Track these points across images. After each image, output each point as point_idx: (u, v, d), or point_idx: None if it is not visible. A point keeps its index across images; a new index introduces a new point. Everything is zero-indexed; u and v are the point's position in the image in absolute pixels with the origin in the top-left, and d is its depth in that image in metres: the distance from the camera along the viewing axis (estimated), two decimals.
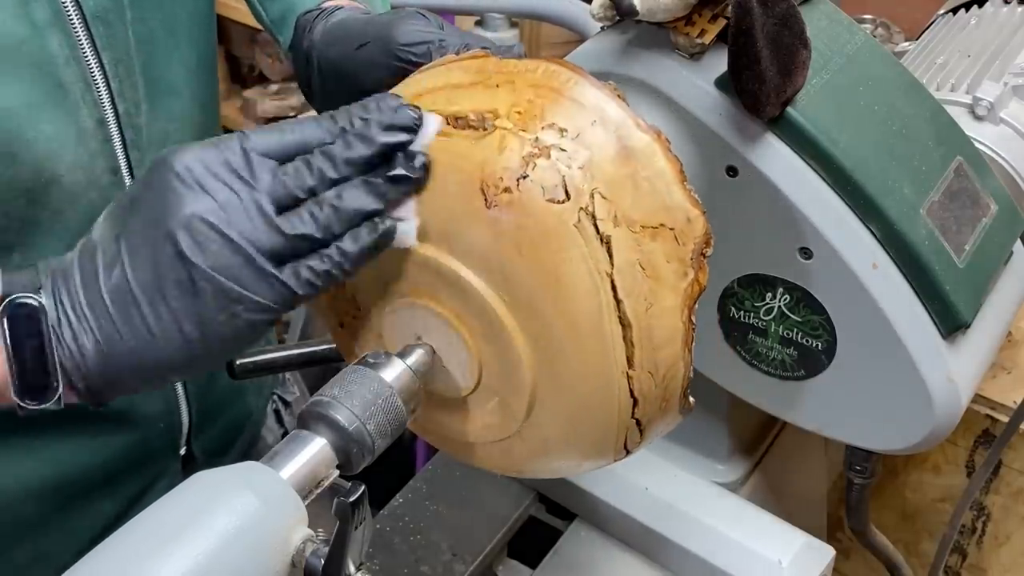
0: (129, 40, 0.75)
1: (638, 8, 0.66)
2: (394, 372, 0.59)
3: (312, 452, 0.55)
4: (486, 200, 0.56)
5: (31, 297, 0.57)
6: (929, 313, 0.70)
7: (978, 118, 0.91)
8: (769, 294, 0.75)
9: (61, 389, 0.57)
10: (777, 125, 0.69)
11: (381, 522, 0.93)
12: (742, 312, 0.77)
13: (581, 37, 1.38)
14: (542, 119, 0.57)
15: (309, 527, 0.53)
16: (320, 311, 0.70)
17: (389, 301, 0.63)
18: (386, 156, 0.58)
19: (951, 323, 0.71)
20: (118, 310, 0.56)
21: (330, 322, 0.70)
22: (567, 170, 0.56)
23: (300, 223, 0.56)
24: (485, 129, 0.57)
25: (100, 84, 0.74)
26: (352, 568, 0.53)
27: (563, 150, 0.57)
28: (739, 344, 0.78)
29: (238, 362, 0.81)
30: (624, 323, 0.57)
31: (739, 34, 0.64)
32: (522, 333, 0.59)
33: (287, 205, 0.56)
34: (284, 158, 0.57)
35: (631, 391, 0.59)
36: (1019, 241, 0.80)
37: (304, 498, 0.53)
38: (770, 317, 0.76)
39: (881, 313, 0.70)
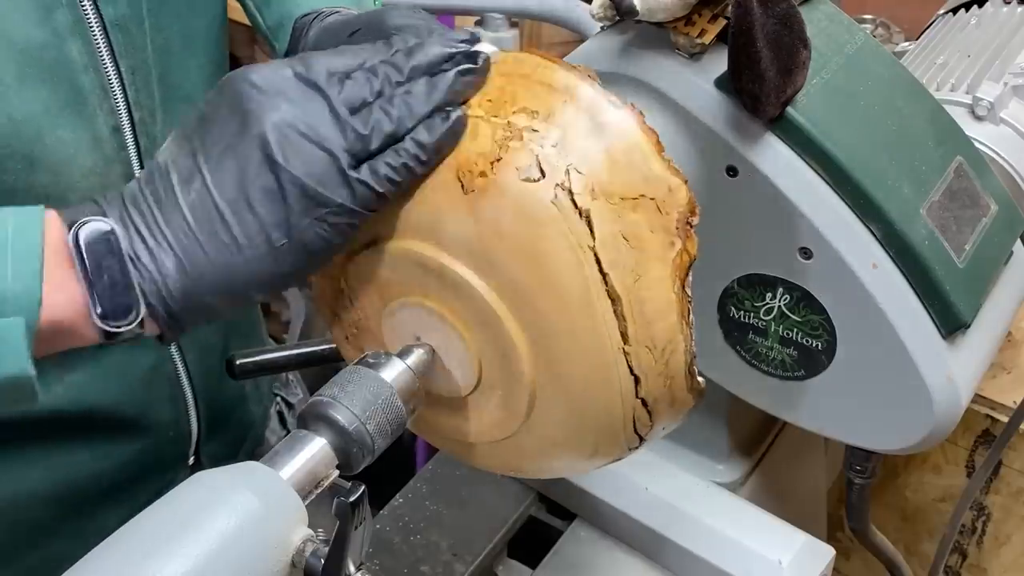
0: (147, 48, 0.76)
1: (638, 8, 0.66)
2: (394, 372, 0.59)
3: (312, 452, 0.55)
4: (463, 187, 0.57)
5: (102, 220, 0.56)
6: (929, 313, 0.70)
7: (978, 118, 0.91)
8: (769, 294, 0.75)
9: (143, 310, 0.56)
10: (777, 125, 0.69)
11: (381, 522, 0.93)
12: (742, 312, 0.77)
13: (581, 37, 1.38)
14: (513, 104, 0.58)
15: (309, 527, 0.53)
16: (327, 322, 0.70)
17: (385, 304, 0.63)
18: (445, 65, 0.59)
19: (951, 323, 0.71)
20: (200, 224, 0.56)
21: (337, 337, 0.70)
22: (540, 149, 0.56)
23: (373, 120, 0.56)
24: None
25: (117, 92, 0.74)
26: (352, 568, 0.53)
27: (535, 130, 0.57)
28: (739, 344, 0.78)
29: (238, 361, 0.81)
30: (612, 297, 0.57)
31: (739, 34, 0.64)
32: (514, 320, 0.59)
33: (359, 107, 0.57)
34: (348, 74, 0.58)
35: (630, 368, 0.58)
36: (1019, 241, 0.80)
37: (304, 498, 0.53)
38: (770, 317, 0.76)
39: (881, 313, 0.70)
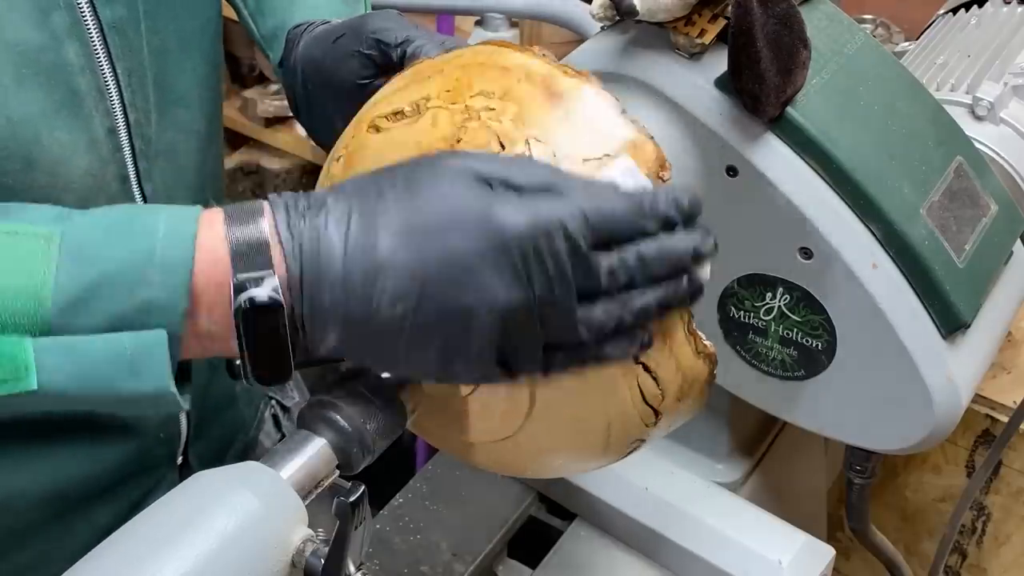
0: (143, 50, 0.76)
1: (638, 8, 0.66)
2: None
3: (312, 452, 0.55)
4: None
5: (269, 284, 0.52)
6: (929, 313, 0.70)
7: (978, 118, 0.91)
8: (769, 294, 0.75)
9: (295, 378, 0.56)
10: (777, 125, 0.69)
11: (381, 522, 0.93)
12: (742, 312, 0.77)
13: (581, 37, 1.38)
14: (470, 90, 0.59)
15: (309, 527, 0.53)
16: None
17: None
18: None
19: (951, 323, 0.71)
20: (382, 338, 0.53)
21: None
22: (498, 125, 0.57)
23: (594, 322, 0.54)
24: (420, 114, 0.59)
25: (113, 93, 0.74)
26: (352, 568, 0.53)
27: (491, 109, 0.58)
28: (739, 344, 0.78)
29: (238, 361, 0.81)
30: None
31: (739, 34, 0.64)
32: None
33: (588, 295, 0.54)
34: (608, 238, 0.54)
35: None
36: (1019, 241, 0.80)
37: (304, 498, 0.53)
38: (770, 317, 0.76)
39: (881, 313, 0.70)
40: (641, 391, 0.59)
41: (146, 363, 0.53)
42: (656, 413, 0.61)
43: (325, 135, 0.80)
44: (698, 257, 0.56)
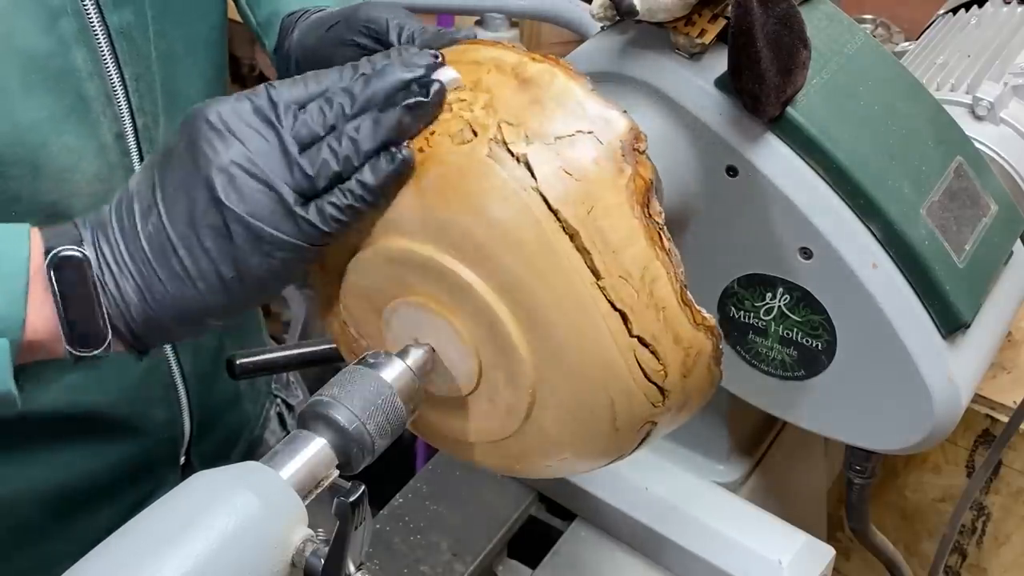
0: (151, 55, 0.76)
1: (638, 8, 0.66)
2: (394, 372, 0.59)
3: (312, 452, 0.55)
4: None
5: (75, 249, 0.58)
6: (929, 313, 0.70)
7: (978, 118, 0.91)
8: (769, 294, 0.75)
9: (111, 336, 0.59)
10: (777, 125, 0.69)
11: (381, 522, 0.93)
12: (742, 312, 0.77)
13: (581, 37, 1.38)
14: None
15: (309, 527, 0.53)
16: (337, 343, 0.70)
17: (379, 312, 0.64)
18: (401, 93, 0.59)
19: (951, 323, 0.71)
20: (156, 256, 0.58)
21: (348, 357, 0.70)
22: (469, 113, 0.58)
23: (320, 159, 0.57)
24: None
25: (121, 98, 0.74)
26: (352, 568, 0.53)
27: (463, 100, 0.59)
28: (739, 344, 0.78)
29: (238, 361, 0.81)
30: (569, 232, 0.57)
31: (739, 34, 0.64)
32: (490, 289, 0.58)
33: (310, 143, 0.58)
34: (307, 103, 0.59)
35: (611, 304, 0.57)
36: (1019, 241, 0.80)
37: (304, 498, 0.53)
38: (770, 317, 0.76)
39: (881, 313, 0.70)
40: (641, 367, 0.59)
41: None
42: (661, 391, 0.60)
43: None
44: (411, 77, 0.58)
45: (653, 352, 0.59)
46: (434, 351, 0.62)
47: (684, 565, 0.88)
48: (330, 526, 0.53)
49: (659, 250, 0.58)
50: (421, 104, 0.58)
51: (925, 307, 0.70)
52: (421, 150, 0.58)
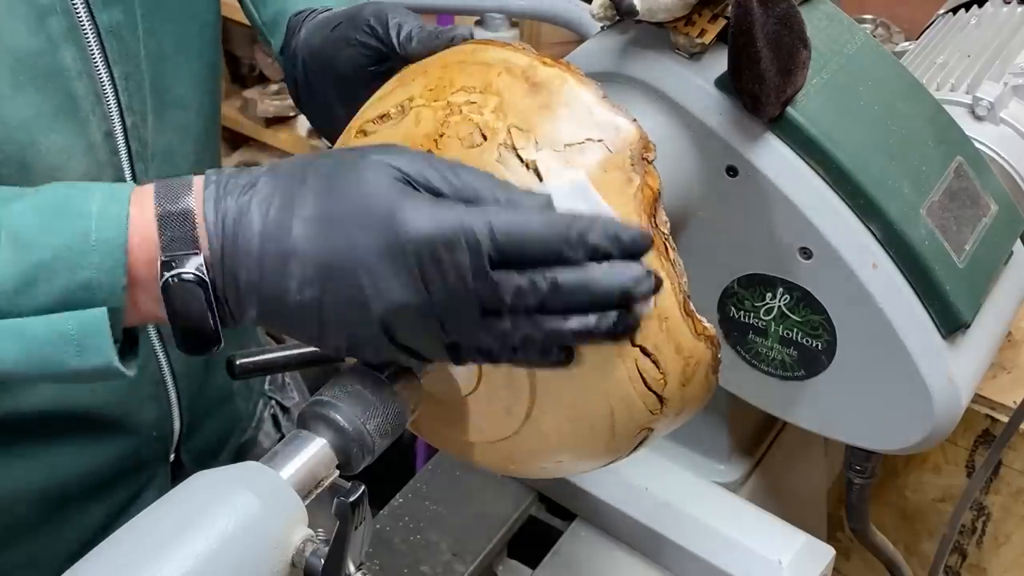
0: (140, 54, 0.76)
1: (638, 8, 0.66)
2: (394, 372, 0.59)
3: (312, 452, 0.55)
4: None
5: (193, 264, 0.55)
6: (929, 313, 0.70)
7: (978, 118, 0.91)
8: (769, 294, 0.75)
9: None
10: (777, 125, 0.69)
11: (381, 522, 0.93)
12: (742, 312, 0.77)
13: (581, 37, 1.38)
14: (451, 87, 0.60)
15: (309, 527, 0.53)
16: None
17: None
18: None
19: (951, 323, 0.71)
20: (297, 315, 0.55)
21: None
22: (479, 117, 0.58)
23: (498, 332, 0.55)
24: (404, 114, 0.60)
25: (110, 97, 0.74)
26: (352, 568, 0.53)
27: (473, 102, 0.59)
28: (739, 344, 0.78)
29: (238, 362, 0.81)
30: None
31: (739, 34, 0.64)
32: None
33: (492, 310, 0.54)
34: (516, 258, 0.54)
35: None
36: (1019, 241, 0.80)
37: (304, 498, 0.53)
38: (770, 317, 0.76)
39: (881, 313, 0.70)
40: (642, 375, 0.59)
41: (90, 341, 0.55)
42: (660, 399, 0.60)
43: (325, 122, 0.81)
44: (626, 296, 0.54)
45: (654, 361, 0.59)
46: None
47: (684, 565, 0.88)
48: (330, 526, 0.53)
49: (664, 260, 0.58)
50: (626, 330, 0.56)
51: (925, 307, 0.70)
52: (430, 151, 0.58)
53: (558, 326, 0.54)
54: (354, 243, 0.53)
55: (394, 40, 0.72)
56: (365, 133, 0.62)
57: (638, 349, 0.58)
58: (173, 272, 0.55)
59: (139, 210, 0.56)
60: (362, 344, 0.56)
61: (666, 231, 0.58)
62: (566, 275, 0.54)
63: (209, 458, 0.96)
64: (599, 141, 0.58)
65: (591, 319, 0.54)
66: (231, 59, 2.68)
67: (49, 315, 0.55)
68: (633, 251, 0.55)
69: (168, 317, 0.56)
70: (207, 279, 0.55)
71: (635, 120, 0.59)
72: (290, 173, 0.56)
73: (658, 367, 0.59)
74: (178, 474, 0.93)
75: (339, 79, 0.77)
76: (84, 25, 0.71)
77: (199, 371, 0.90)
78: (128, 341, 0.58)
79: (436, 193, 0.54)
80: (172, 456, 0.91)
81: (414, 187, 0.54)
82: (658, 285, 0.56)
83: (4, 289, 0.54)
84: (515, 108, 0.58)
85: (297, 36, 0.82)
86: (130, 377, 0.58)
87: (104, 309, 0.55)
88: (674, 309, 0.59)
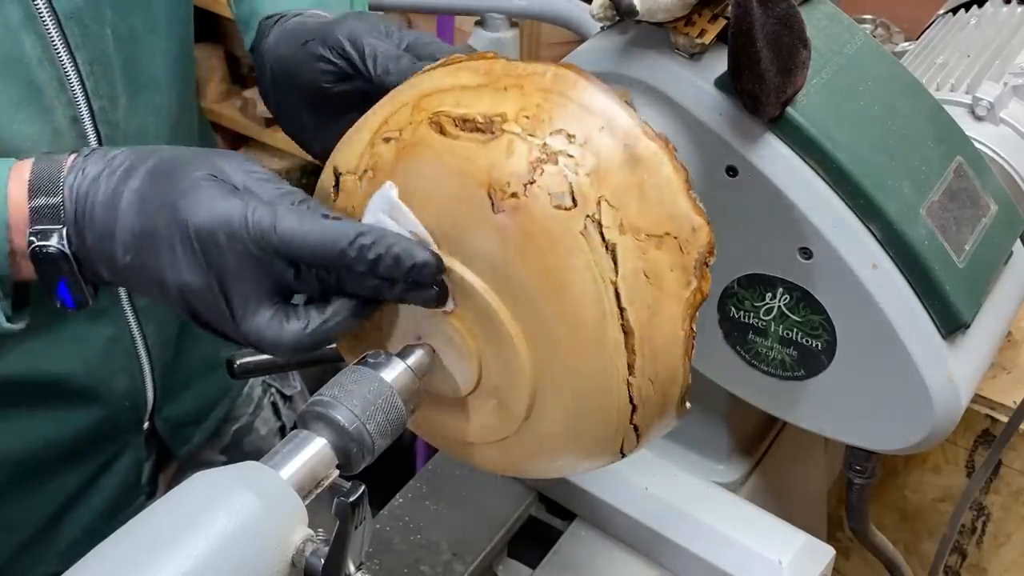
0: (107, 38, 0.76)
1: (638, 8, 0.66)
2: (394, 372, 0.59)
3: (312, 452, 0.55)
4: (492, 205, 0.56)
5: (56, 238, 0.61)
6: (929, 313, 0.70)
7: (978, 118, 0.91)
8: (769, 294, 0.75)
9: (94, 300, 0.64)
10: (777, 125, 0.69)
11: (381, 522, 0.93)
12: (742, 312, 0.77)
13: (581, 37, 1.38)
14: (550, 124, 0.57)
15: (309, 527, 0.53)
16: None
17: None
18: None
19: (951, 323, 0.71)
20: (130, 280, 0.63)
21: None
22: (574, 176, 0.56)
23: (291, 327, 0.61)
24: (492, 133, 0.57)
25: (75, 83, 0.74)
26: (352, 568, 0.53)
27: (571, 156, 0.57)
28: (739, 344, 0.78)
29: (237, 362, 0.81)
30: (627, 331, 0.57)
31: (739, 34, 0.64)
32: (524, 337, 0.59)
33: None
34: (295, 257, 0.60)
35: (630, 397, 0.59)
36: (1019, 241, 0.80)
37: (304, 498, 0.53)
38: (770, 317, 0.76)
39: (881, 313, 0.70)
40: (622, 444, 0.61)
41: None
42: (623, 455, 0.63)
43: (289, 125, 0.81)
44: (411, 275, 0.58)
45: (639, 436, 0.61)
46: (434, 351, 0.62)
47: (684, 565, 0.88)
48: (330, 526, 0.53)
49: (686, 359, 0.59)
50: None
51: (925, 307, 0.70)
52: (515, 196, 0.56)
53: (335, 311, 0.61)
54: (156, 222, 0.60)
55: (369, 69, 0.71)
56: (443, 130, 0.59)
57: (632, 427, 0.60)
58: (38, 245, 0.61)
59: (17, 184, 0.62)
60: (199, 315, 0.62)
61: (695, 330, 0.59)
62: (331, 276, 0.60)
63: (186, 428, 0.97)
64: (675, 238, 0.58)
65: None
66: (231, 59, 2.68)
67: None
68: (416, 278, 0.58)
69: (41, 280, 0.63)
70: (68, 252, 0.62)
71: (710, 222, 0.59)
72: (141, 153, 0.62)
73: (638, 440, 0.61)
74: (151, 442, 0.95)
75: (305, 92, 0.76)
76: (42, 12, 0.71)
77: (173, 341, 0.91)
78: (17, 300, 0.65)
79: (232, 185, 0.61)
80: (146, 425, 0.92)
81: (222, 182, 0.60)
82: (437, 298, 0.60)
83: None
84: (610, 179, 0.57)
85: (266, 40, 0.82)
86: (18, 329, 0.64)
87: None
88: (675, 400, 0.61)
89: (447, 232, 0.58)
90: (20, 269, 0.63)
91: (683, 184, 0.59)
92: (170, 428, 0.94)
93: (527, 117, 0.58)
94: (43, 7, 0.71)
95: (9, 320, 0.64)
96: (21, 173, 0.62)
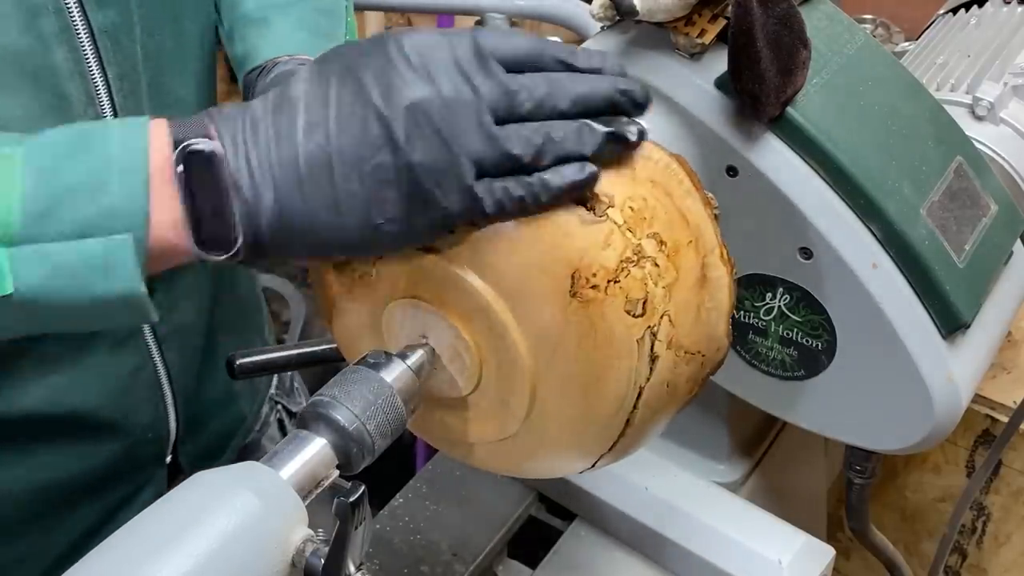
0: (137, 55, 0.76)
1: (638, 8, 0.66)
2: (394, 372, 0.59)
3: (312, 452, 0.55)
4: (572, 288, 0.57)
5: (207, 142, 0.55)
6: (929, 313, 0.70)
7: (978, 118, 0.91)
8: (769, 294, 0.75)
9: (241, 241, 0.56)
10: (777, 125, 0.69)
11: (381, 522, 0.93)
12: (742, 312, 0.77)
13: (581, 37, 1.38)
14: (650, 224, 0.58)
15: (309, 527, 0.53)
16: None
17: (404, 293, 0.62)
18: (607, 110, 0.57)
19: (951, 323, 0.71)
20: (310, 176, 0.55)
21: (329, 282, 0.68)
22: (653, 287, 0.57)
23: (515, 142, 0.54)
24: (596, 214, 0.57)
25: (103, 98, 0.74)
26: (352, 568, 0.53)
27: (656, 265, 0.57)
28: (739, 344, 0.78)
29: (238, 362, 0.81)
30: (629, 422, 0.60)
31: (739, 34, 0.64)
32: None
33: (504, 119, 0.54)
34: (514, 67, 0.55)
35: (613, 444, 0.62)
36: (1019, 241, 0.80)
37: (304, 498, 0.53)
38: (770, 317, 0.76)
39: (881, 313, 0.70)
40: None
41: (116, 264, 0.55)
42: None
43: None
44: (627, 95, 0.56)
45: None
46: (434, 351, 0.62)
47: (684, 565, 0.88)
48: (330, 526, 0.53)
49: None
50: (624, 141, 0.57)
51: (925, 307, 0.70)
52: (596, 288, 0.56)
53: (568, 128, 0.55)
54: (350, 63, 0.55)
55: None
56: None
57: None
58: (186, 145, 0.55)
59: (157, 132, 0.56)
60: (383, 200, 0.55)
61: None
62: (557, 74, 0.56)
63: (208, 460, 0.96)
64: (703, 356, 0.61)
65: (599, 122, 0.56)
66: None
67: (75, 241, 0.55)
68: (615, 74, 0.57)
69: (184, 209, 0.55)
70: (219, 152, 0.55)
71: (730, 342, 0.62)
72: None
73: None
74: (175, 476, 0.93)
75: None
76: (77, 25, 0.71)
77: (197, 372, 0.90)
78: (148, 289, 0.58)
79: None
80: (169, 458, 0.91)
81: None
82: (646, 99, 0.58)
83: (29, 214, 0.54)
84: (679, 297, 0.58)
85: (252, 92, 0.82)
86: (154, 319, 0.58)
87: (129, 235, 0.55)
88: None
89: (513, 285, 0.58)
90: (160, 230, 0.56)
91: (729, 309, 0.62)
92: (192, 461, 0.93)
93: (632, 208, 0.57)
94: (79, 20, 0.71)
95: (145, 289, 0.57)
96: (159, 126, 0.57)
